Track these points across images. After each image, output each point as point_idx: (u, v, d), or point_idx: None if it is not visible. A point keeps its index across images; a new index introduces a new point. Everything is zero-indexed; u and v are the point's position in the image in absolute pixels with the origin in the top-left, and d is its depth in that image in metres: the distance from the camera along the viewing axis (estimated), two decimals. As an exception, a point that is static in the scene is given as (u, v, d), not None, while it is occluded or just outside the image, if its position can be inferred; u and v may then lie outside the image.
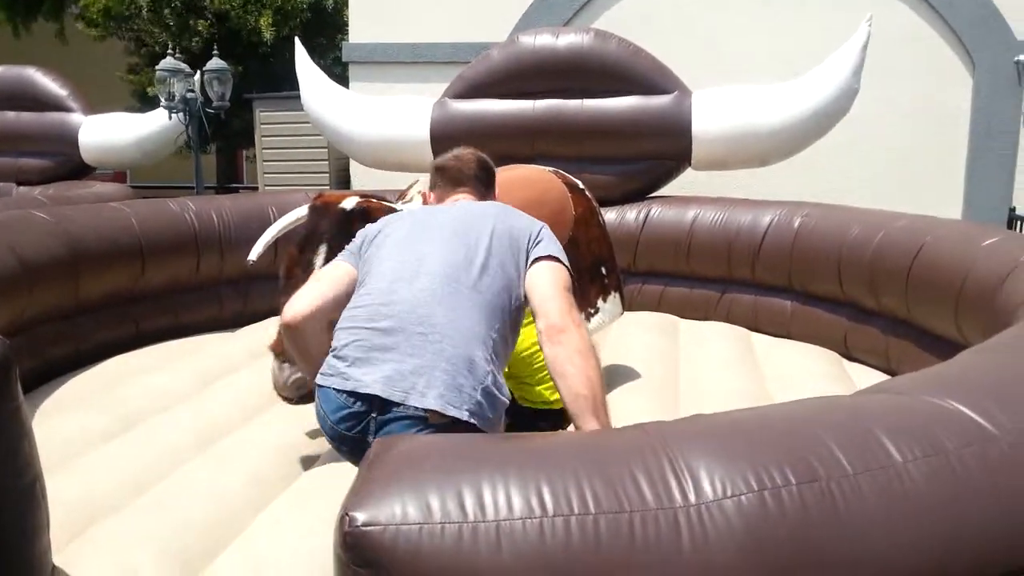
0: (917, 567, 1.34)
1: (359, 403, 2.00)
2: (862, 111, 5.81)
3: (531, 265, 2.18)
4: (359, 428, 2.02)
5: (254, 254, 3.35)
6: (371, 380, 1.98)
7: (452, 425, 1.92)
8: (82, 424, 3.37)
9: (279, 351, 2.94)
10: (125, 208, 4.81)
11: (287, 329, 2.25)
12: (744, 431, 1.52)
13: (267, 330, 4.58)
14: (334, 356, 2.10)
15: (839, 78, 5.34)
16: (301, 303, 2.22)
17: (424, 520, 1.31)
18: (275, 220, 3.73)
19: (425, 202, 2.66)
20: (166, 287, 4.89)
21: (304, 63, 6.19)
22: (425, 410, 1.93)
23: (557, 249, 2.24)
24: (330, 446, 3.19)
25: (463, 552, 1.29)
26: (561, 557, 1.28)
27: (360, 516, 1.32)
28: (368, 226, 2.39)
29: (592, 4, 7.46)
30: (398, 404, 1.95)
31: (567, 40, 5.59)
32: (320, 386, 2.10)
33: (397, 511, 1.32)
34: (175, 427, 3.34)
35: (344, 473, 2.86)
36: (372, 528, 1.30)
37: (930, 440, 1.45)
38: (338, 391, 2.03)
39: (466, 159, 2.59)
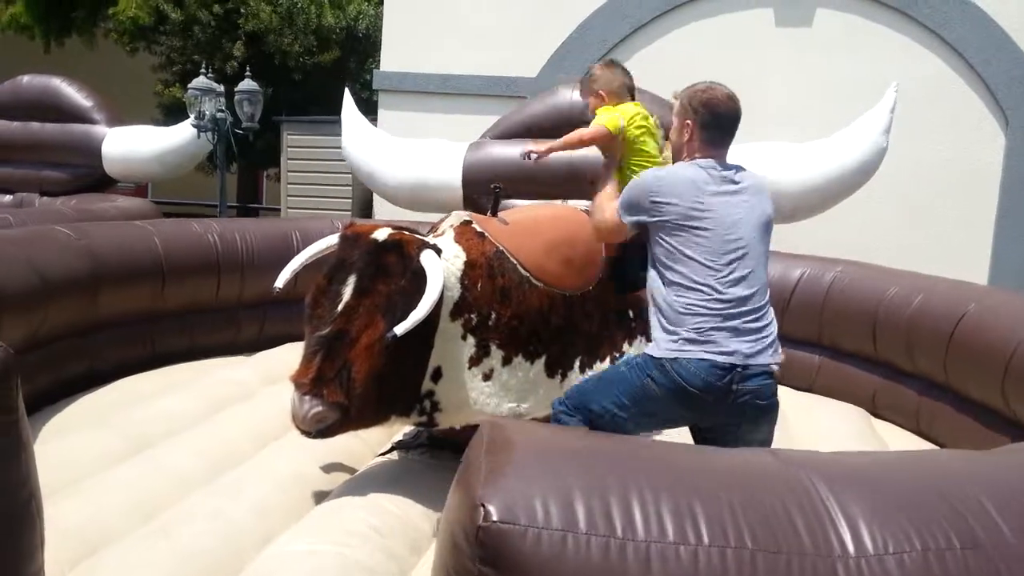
0: None
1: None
2: (888, 165, 5.73)
3: None
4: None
5: (280, 281, 3.26)
6: None
7: None
8: (93, 444, 3.30)
9: (300, 382, 2.84)
10: (148, 226, 4.77)
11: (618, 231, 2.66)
12: (895, 478, 1.44)
13: (283, 356, 4.51)
14: None
15: (868, 138, 5.38)
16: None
17: (569, 528, 1.20)
18: (298, 246, 3.64)
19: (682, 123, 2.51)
20: (185, 308, 4.84)
21: (350, 111, 6.29)
22: None
23: None
24: (342, 480, 3.12)
25: (611, 571, 1.19)
26: None
27: (496, 510, 1.21)
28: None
29: (626, 42, 7.41)
30: None
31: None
32: None
33: (540, 512, 1.21)
34: (186, 452, 3.26)
35: (355, 507, 2.78)
36: (512, 527, 1.20)
37: None
38: None
39: (737, 104, 2.48)
